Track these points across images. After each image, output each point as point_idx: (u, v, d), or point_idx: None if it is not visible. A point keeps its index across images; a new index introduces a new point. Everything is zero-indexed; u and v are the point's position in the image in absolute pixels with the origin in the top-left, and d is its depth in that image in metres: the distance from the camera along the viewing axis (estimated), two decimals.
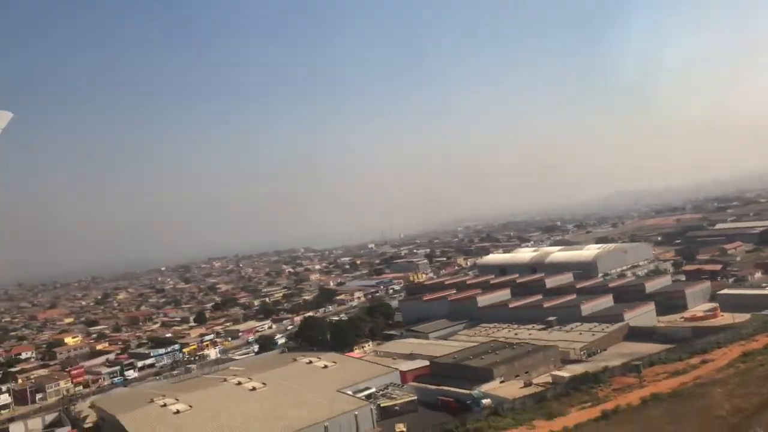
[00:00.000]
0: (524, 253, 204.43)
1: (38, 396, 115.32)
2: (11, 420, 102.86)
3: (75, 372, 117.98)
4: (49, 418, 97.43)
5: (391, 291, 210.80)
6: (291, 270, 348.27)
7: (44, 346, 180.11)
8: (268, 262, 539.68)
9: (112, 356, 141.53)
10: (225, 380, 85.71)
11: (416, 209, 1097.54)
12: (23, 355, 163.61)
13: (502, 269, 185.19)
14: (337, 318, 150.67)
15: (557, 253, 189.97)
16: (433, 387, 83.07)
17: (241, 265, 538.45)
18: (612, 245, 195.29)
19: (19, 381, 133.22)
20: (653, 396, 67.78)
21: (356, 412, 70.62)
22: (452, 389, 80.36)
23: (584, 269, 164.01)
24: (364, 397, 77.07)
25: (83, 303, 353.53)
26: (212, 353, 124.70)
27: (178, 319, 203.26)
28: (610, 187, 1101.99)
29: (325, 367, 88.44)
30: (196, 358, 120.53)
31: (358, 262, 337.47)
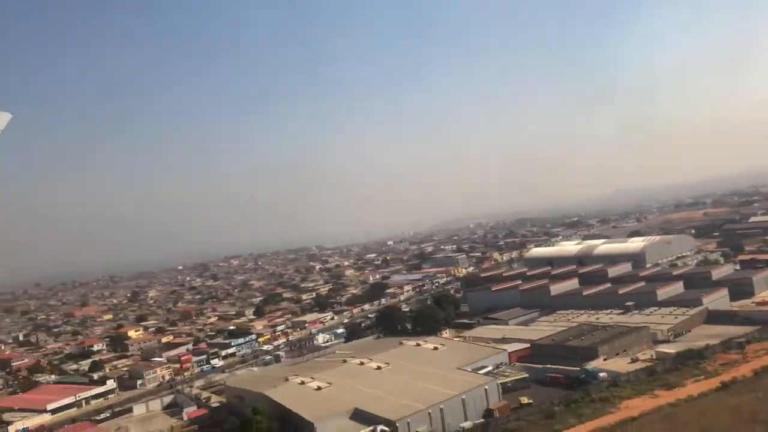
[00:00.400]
0: (569, 246, 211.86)
1: (138, 382, 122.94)
2: (109, 407, 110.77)
3: (184, 358, 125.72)
4: (166, 400, 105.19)
5: (436, 284, 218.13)
6: (321, 266, 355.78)
7: (107, 339, 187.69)
8: (287, 260, 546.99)
9: (189, 347, 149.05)
10: (345, 361, 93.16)
11: (417, 209, 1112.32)
12: (95, 347, 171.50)
13: (549, 261, 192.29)
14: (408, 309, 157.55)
15: (603, 246, 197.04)
16: (539, 366, 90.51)
17: (260, 263, 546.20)
18: (656, 237, 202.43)
19: (107, 369, 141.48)
20: (764, 368, 75.22)
21: (486, 387, 78.03)
22: (559, 367, 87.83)
23: (632, 260, 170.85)
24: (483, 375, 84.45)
25: (114, 301, 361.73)
26: (320, 338, 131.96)
27: (233, 312, 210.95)
28: (609, 186, 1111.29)
29: (435, 348, 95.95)
30: (305, 343, 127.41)
31: (389, 257, 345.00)
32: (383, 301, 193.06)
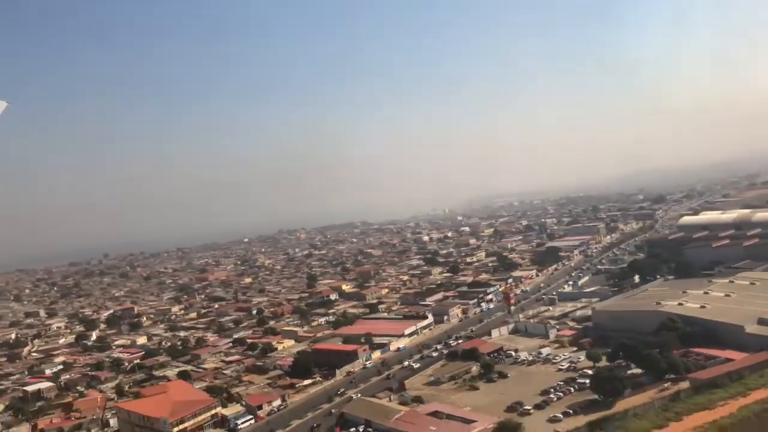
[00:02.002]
0: (723, 214, 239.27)
1: (444, 317, 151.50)
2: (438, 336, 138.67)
3: (511, 296, 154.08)
4: (510, 327, 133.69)
5: (594, 249, 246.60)
6: (429, 238, 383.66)
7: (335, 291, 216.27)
8: (353, 233, 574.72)
9: (443, 294, 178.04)
10: (685, 292, 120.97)
11: (423, 189, 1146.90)
12: (331, 297, 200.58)
13: (705, 227, 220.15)
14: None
15: (762, 213, 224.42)
16: None
17: (328, 236, 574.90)
18: None
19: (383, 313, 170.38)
20: None
21: None
22: None
23: None
24: None
25: (228, 267, 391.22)
26: (636, 278, 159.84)
27: (419, 272, 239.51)
28: (622, 167, 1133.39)
29: (752, 284, 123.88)
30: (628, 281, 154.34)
31: (499, 229, 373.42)
32: (564, 263, 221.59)
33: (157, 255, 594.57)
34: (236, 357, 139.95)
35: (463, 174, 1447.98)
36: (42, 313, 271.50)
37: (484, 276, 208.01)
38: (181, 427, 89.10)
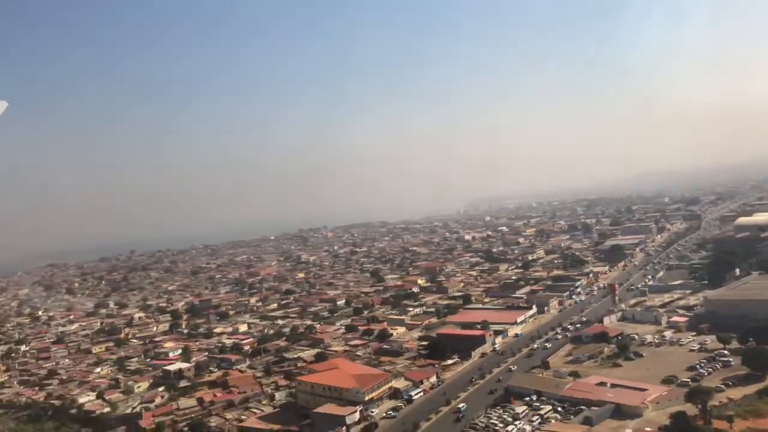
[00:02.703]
0: None
1: (545, 308, 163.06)
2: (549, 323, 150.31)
3: (616, 287, 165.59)
4: (618, 315, 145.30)
5: (651, 248, 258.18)
6: (472, 237, 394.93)
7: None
8: (381, 232, 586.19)
9: (526, 289, 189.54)
10: None
11: (425, 190, 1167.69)
12: (414, 290, 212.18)
13: (762, 228, 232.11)
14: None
15: None
16: None
17: (355, 234, 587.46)
18: None
19: (474, 301, 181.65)
20: None
21: None
22: None
23: None
24: None
25: (273, 263, 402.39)
26: (737, 271, 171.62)
27: (485, 268, 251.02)
28: (623, 170, 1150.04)
29: None
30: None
31: (543, 229, 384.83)
32: (630, 260, 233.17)
33: (185, 251, 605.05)
34: (359, 341, 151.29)
35: (463, 174, 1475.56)
36: (112, 304, 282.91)
37: (557, 272, 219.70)
38: (370, 396, 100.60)
